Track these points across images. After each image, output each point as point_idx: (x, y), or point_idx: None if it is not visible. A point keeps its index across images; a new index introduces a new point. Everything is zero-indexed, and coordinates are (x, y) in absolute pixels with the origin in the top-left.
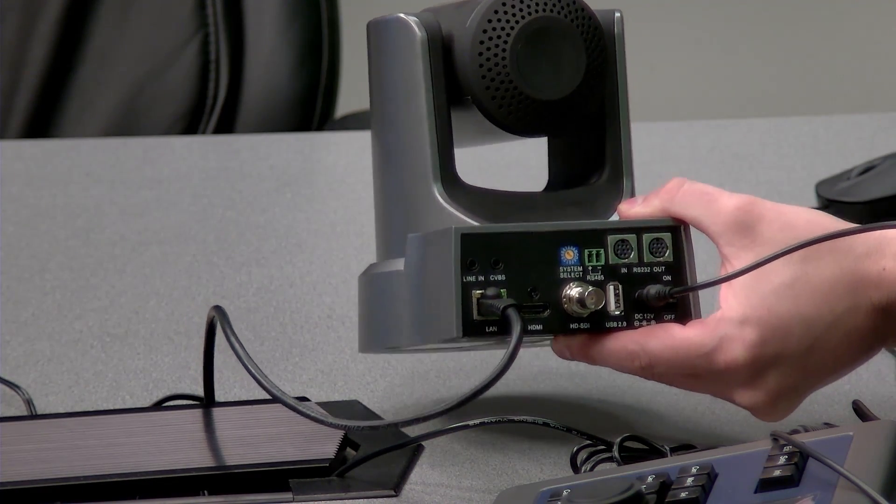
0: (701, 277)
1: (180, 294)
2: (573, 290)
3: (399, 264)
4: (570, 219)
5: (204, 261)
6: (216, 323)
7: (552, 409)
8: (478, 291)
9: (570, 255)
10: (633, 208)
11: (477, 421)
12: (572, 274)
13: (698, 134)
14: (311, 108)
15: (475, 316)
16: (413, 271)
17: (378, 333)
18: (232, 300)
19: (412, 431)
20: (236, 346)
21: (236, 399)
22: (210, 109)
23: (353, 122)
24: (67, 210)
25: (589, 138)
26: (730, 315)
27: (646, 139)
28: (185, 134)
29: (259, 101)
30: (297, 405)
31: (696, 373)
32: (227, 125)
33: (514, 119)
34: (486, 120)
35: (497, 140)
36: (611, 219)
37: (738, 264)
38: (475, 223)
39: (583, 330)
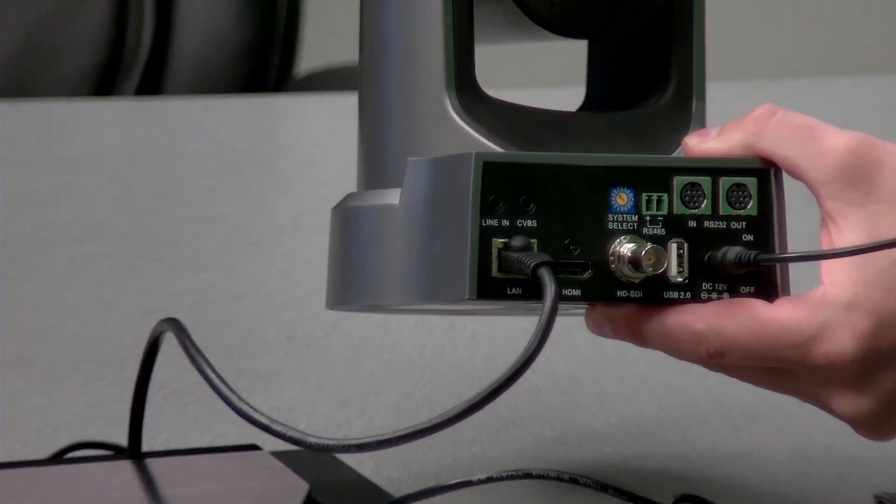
0: (790, 237)
1: (92, 310)
2: (624, 247)
3: (392, 196)
4: (624, 151)
5: (124, 265)
6: (161, 343)
7: (581, 459)
8: (500, 240)
9: (622, 199)
10: (706, 142)
11: (483, 476)
12: (624, 225)
13: (773, 95)
14: (264, 63)
15: (495, 272)
16: (412, 207)
17: (357, 285)
18: (161, 315)
19: (397, 489)
20: (210, 374)
21: (165, 448)
22: (130, 64)
23: (321, 81)
24: None
25: (649, 45)
26: (836, 294)
27: (713, 101)
28: (96, 95)
29: (195, 54)
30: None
31: (782, 367)
32: (152, 84)
33: (559, 12)
34: (517, 13)
35: (522, 40)
36: (677, 154)
37: (845, 224)
38: (500, 149)
39: (633, 299)
